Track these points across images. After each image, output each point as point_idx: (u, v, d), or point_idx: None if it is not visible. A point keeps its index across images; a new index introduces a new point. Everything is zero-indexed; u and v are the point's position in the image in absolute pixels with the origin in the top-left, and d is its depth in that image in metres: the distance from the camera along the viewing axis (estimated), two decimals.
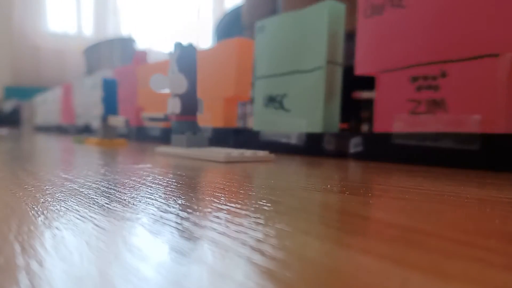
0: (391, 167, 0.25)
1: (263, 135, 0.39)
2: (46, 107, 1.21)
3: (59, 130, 1.03)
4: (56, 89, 1.09)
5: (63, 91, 1.01)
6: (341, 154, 0.32)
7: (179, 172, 0.20)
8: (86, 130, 0.81)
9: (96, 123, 0.71)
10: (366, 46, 0.31)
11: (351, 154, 0.31)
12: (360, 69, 0.32)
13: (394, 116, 0.29)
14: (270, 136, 0.38)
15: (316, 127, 0.34)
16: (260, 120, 0.40)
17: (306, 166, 0.25)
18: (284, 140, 0.36)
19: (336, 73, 0.34)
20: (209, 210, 0.11)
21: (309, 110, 0.34)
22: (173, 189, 0.15)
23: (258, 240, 0.08)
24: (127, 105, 0.66)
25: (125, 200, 0.13)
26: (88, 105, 0.80)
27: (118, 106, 0.68)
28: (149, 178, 0.18)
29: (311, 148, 0.34)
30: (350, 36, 0.36)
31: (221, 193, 0.14)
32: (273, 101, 0.38)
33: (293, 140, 0.35)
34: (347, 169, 0.24)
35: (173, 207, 0.11)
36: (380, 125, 0.30)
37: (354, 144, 0.30)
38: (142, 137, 0.60)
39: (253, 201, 0.12)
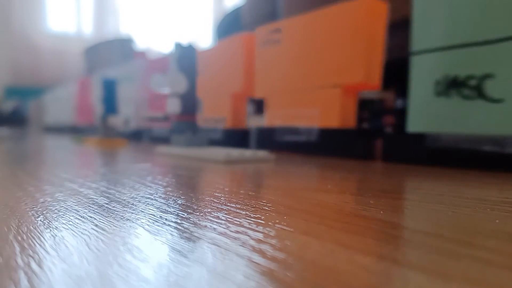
0: None
1: (436, 139, 0.25)
2: (57, 106, 1.09)
3: (74, 130, 0.92)
4: (69, 85, 0.98)
5: (78, 87, 0.89)
6: None
7: (179, 172, 0.20)
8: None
9: (125, 124, 0.63)
10: None
11: None
12: None
13: None
14: (454, 142, 0.24)
15: None
16: (426, 117, 0.26)
17: None
18: (488, 148, 0.23)
19: None
20: (209, 210, 0.11)
21: None
22: (173, 189, 0.15)
23: (259, 240, 0.08)
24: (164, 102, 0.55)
25: (124, 200, 0.13)
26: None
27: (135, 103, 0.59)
28: (149, 178, 0.18)
29: None
30: None
31: (221, 193, 0.14)
32: (459, 86, 0.24)
33: None
34: None
35: (173, 207, 0.11)
36: None
37: None
38: None
39: (253, 201, 0.12)
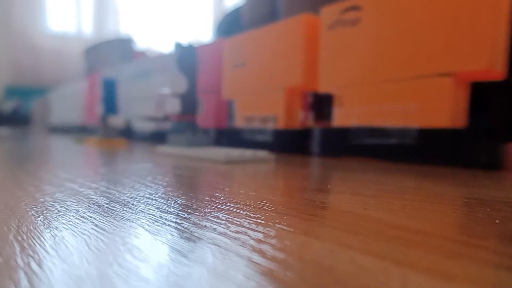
0: None
1: None
2: (63, 105, 1.02)
3: (83, 131, 0.84)
4: (77, 82, 0.92)
5: (88, 85, 0.82)
6: None
7: (179, 172, 0.20)
8: (125, 133, 0.62)
9: (141, 123, 0.58)
10: None
11: None
12: None
13: None
14: None
15: None
16: None
17: None
18: None
19: None
20: (209, 210, 0.11)
21: None
22: (173, 189, 0.15)
23: (259, 240, 0.08)
24: (206, 97, 0.45)
25: (124, 200, 0.13)
26: (129, 100, 0.62)
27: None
28: (149, 178, 0.18)
29: None
30: None
31: (221, 193, 0.14)
32: None
33: None
34: None
35: (173, 207, 0.11)
36: None
37: None
38: (232, 142, 0.40)
39: (253, 201, 0.12)
